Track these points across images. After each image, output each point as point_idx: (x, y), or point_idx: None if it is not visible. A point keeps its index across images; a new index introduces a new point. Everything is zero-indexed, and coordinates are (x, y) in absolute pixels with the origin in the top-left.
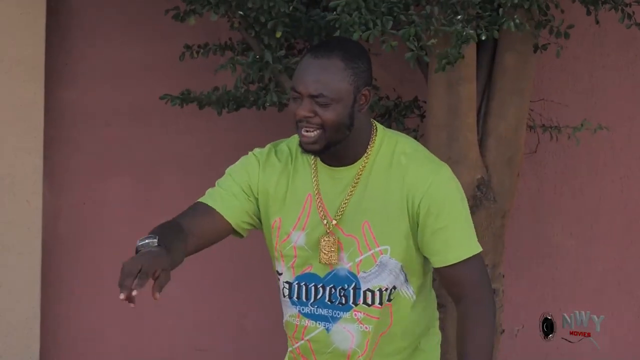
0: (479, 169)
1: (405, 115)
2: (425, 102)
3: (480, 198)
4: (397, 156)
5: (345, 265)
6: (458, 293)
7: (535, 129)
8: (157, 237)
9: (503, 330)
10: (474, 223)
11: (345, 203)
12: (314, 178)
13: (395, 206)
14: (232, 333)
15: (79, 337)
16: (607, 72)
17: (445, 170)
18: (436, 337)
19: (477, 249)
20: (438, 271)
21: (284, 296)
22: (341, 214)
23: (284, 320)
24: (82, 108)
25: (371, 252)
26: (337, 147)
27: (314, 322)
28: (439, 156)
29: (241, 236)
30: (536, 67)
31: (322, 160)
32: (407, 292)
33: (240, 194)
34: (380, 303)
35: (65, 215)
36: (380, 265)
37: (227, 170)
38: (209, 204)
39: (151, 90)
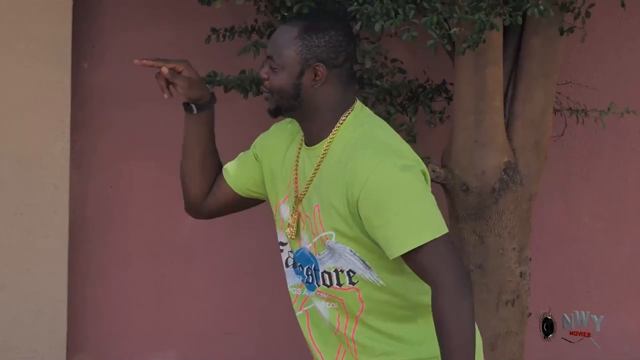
0: (505, 152)
1: (432, 98)
2: (452, 85)
3: (507, 181)
4: (352, 144)
5: (307, 245)
6: (425, 280)
7: (562, 112)
8: None
9: (530, 314)
10: (501, 206)
11: (309, 183)
12: (298, 154)
13: (337, 194)
14: (260, 317)
15: (106, 321)
16: (634, 55)
17: (391, 161)
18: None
19: (425, 237)
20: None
21: (287, 266)
22: (305, 192)
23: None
24: (109, 91)
25: (319, 236)
26: (299, 119)
27: (301, 294)
28: (466, 139)
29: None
30: (563, 49)
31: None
32: (372, 277)
33: (248, 161)
34: (339, 284)
35: (92, 199)
36: (330, 249)
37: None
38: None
39: None
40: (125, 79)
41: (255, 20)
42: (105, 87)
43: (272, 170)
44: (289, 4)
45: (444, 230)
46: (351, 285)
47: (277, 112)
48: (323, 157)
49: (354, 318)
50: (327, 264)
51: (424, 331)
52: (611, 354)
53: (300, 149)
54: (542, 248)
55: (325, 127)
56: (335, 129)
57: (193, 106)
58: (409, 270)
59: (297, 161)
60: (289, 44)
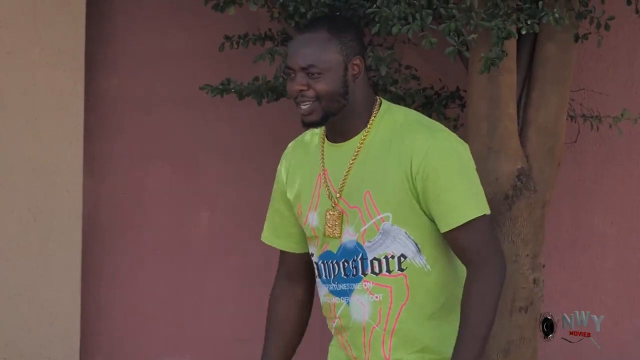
0: (519, 159)
1: (446, 105)
2: (465, 91)
3: (520, 188)
4: (398, 127)
5: (352, 236)
6: (467, 258)
7: (576, 119)
8: None
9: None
10: (514, 213)
11: (346, 176)
12: (321, 157)
13: (394, 174)
14: None
15: (119, 327)
16: None
17: (445, 136)
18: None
19: (478, 211)
20: (445, 238)
21: (317, 277)
22: (342, 187)
23: (320, 303)
24: (122, 97)
25: (373, 220)
26: (336, 119)
27: (339, 299)
28: (479, 146)
29: None
30: (576, 56)
31: (327, 137)
32: (421, 262)
33: (282, 218)
34: (389, 271)
35: (105, 204)
36: (384, 233)
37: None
38: (283, 249)
39: (191, 79)
40: (139, 84)
41: (269, 29)
42: (118, 93)
43: (294, 192)
44: (302, 10)
45: (489, 210)
46: (400, 272)
47: (324, 120)
48: (360, 148)
49: (398, 308)
50: (377, 251)
51: (455, 330)
52: (626, 359)
53: (322, 153)
54: (555, 255)
55: (360, 121)
56: (370, 121)
57: None
58: (452, 257)
59: (324, 164)
60: (325, 46)
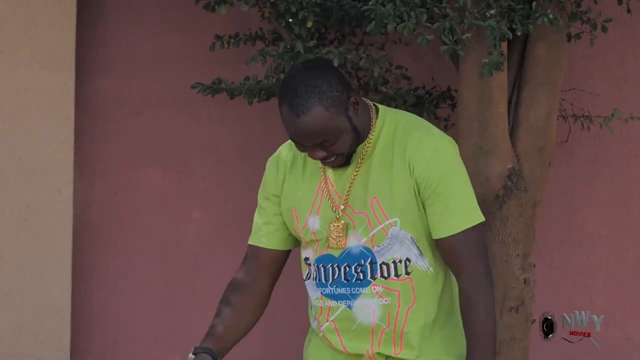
0: (510, 159)
1: (437, 105)
2: (456, 91)
3: (511, 188)
4: (399, 133)
5: (359, 241)
6: (459, 266)
7: (567, 119)
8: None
9: (534, 320)
10: (505, 213)
11: (351, 184)
12: (321, 166)
13: (400, 179)
14: (261, 325)
15: (110, 327)
16: (639, 61)
17: (447, 143)
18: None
19: (476, 219)
20: (439, 243)
21: (308, 279)
22: (348, 195)
23: (310, 305)
24: (113, 97)
25: (381, 225)
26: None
27: (336, 302)
28: (470, 146)
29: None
30: (567, 56)
31: None
32: (424, 265)
33: (273, 217)
34: (397, 275)
35: (96, 205)
36: (392, 238)
37: (258, 196)
38: (254, 244)
39: (182, 80)
40: (129, 85)
41: (260, 28)
42: (109, 94)
43: (287, 197)
44: (293, 10)
45: (483, 217)
46: (406, 276)
47: (349, 161)
48: (364, 157)
49: (405, 312)
50: (385, 255)
51: (459, 323)
52: (617, 359)
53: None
54: (546, 255)
55: (364, 134)
56: (372, 130)
57: None
58: None
59: (325, 174)
60: (325, 118)
